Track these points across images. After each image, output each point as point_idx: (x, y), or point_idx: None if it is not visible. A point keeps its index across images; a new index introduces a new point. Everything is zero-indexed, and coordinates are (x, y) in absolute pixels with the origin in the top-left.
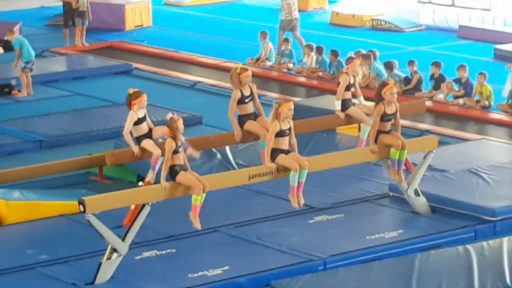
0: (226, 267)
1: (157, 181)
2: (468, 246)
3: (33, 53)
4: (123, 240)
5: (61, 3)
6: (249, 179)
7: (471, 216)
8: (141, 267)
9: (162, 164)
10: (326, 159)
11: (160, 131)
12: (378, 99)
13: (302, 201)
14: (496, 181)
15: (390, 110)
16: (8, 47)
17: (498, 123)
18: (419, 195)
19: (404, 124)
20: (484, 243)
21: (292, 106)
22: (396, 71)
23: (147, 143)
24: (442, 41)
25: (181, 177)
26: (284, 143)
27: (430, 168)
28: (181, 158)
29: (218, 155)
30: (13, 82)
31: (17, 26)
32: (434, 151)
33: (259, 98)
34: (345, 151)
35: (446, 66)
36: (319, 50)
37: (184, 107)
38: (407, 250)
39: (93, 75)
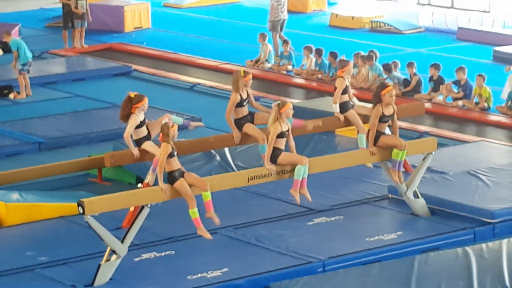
0: (225, 269)
1: (156, 183)
2: (467, 248)
3: (30, 55)
4: (122, 241)
5: (60, 5)
6: (248, 181)
7: (470, 218)
8: (140, 269)
9: None
10: (325, 161)
11: (158, 126)
12: (377, 100)
13: (310, 198)
14: (495, 183)
15: (388, 111)
16: (7, 49)
17: (497, 125)
18: (418, 197)
19: (403, 126)
20: (483, 245)
21: (292, 106)
22: (395, 73)
23: (148, 145)
24: (441, 43)
25: (179, 185)
26: (283, 144)
27: (429, 170)
28: (177, 162)
29: (217, 157)
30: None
31: (16, 28)
32: (433, 153)
33: (257, 100)
34: (344, 153)
35: (445, 68)
36: (318, 52)
37: (183, 109)
38: (406, 252)
39: (92, 77)
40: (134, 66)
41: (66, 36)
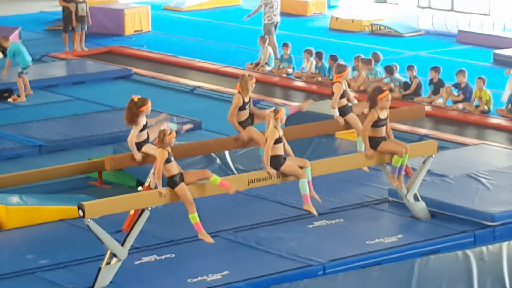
0: (226, 272)
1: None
2: (468, 251)
3: (29, 59)
4: (122, 245)
5: (60, 8)
6: (248, 184)
7: (471, 221)
8: (140, 272)
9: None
10: (326, 164)
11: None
12: (372, 104)
13: (319, 199)
14: (496, 186)
15: (383, 115)
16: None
17: (498, 128)
18: (418, 200)
19: (403, 129)
20: (484, 248)
21: (285, 111)
22: (396, 75)
23: (149, 148)
24: (441, 46)
25: (180, 189)
26: (282, 150)
27: (429, 173)
28: (175, 166)
29: (218, 160)
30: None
31: (17, 31)
32: (433, 156)
33: (258, 103)
34: (344, 156)
35: (445, 71)
36: (318, 56)
37: (184, 112)
38: (406, 255)
39: (92, 80)
40: (134, 69)
41: (66, 39)
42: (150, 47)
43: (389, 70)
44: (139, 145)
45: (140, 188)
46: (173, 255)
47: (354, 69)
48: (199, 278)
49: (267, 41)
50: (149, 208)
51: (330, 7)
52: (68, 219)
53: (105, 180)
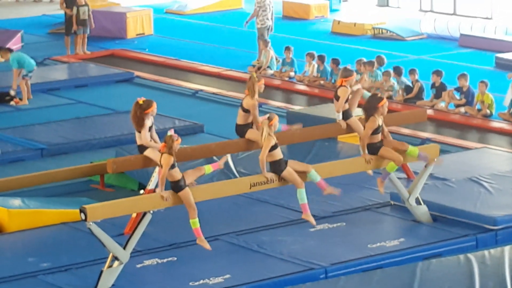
0: (227, 276)
1: None
2: (470, 255)
3: (33, 63)
4: (124, 248)
5: (63, 12)
6: (250, 188)
7: (473, 225)
8: (142, 275)
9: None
10: (327, 167)
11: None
12: (372, 111)
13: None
14: (498, 190)
15: (380, 121)
16: None
17: (500, 132)
18: (420, 204)
19: (405, 132)
20: (486, 252)
21: (278, 118)
22: (403, 78)
23: (152, 153)
24: (443, 49)
25: (184, 194)
26: (280, 154)
27: (431, 177)
28: (178, 172)
29: None
30: (13, 93)
31: (18, 35)
32: (435, 159)
33: (260, 106)
34: (346, 159)
35: (447, 75)
36: (320, 59)
37: (186, 115)
38: (408, 259)
39: (94, 83)
40: (137, 73)
41: (69, 42)
42: (152, 51)
43: (397, 71)
44: (140, 147)
45: (142, 191)
46: (175, 258)
47: (356, 72)
48: (201, 281)
49: (269, 44)
50: (151, 212)
51: (332, 10)
52: (70, 222)
53: (107, 183)
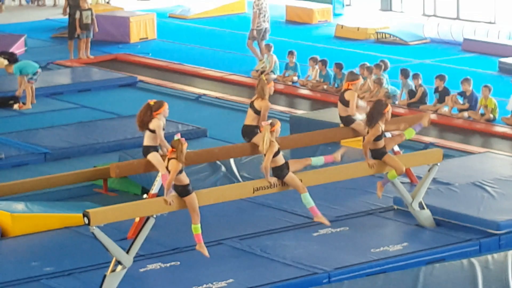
0: (231, 280)
1: (160, 193)
2: (473, 260)
3: (36, 65)
4: (127, 252)
5: (66, 16)
6: (253, 192)
7: (476, 230)
8: (145, 279)
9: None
10: (331, 172)
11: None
12: (378, 117)
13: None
14: (501, 194)
15: (383, 127)
16: (13, 59)
17: (503, 136)
18: (423, 208)
19: None
20: (489, 257)
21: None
22: (409, 81)
23: (154, 158)
24: (446, 54)
25: (191, 199)
26: (282, 159)
27: (434, 181)
28: (186, 176)
29: (223, 168)
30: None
31: (22, 39)
32: (438, 164)
33: None
34: (349, 164)
35: (450, 79)
36: (323, 64)
37: (189, 120)
38: (411, 263)
39: (97, 88)
40: (140, 77)
41: (72, 46)
42: (156, 55)
43: (404, 74)
44: (146, 149)
45: (145, 195)
46: (178, 263)
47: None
48: (204, 286)
49: (272, 48)
50: (154, 216)
51: (335, 15)
52: (73, 227)
53: (110, 188)
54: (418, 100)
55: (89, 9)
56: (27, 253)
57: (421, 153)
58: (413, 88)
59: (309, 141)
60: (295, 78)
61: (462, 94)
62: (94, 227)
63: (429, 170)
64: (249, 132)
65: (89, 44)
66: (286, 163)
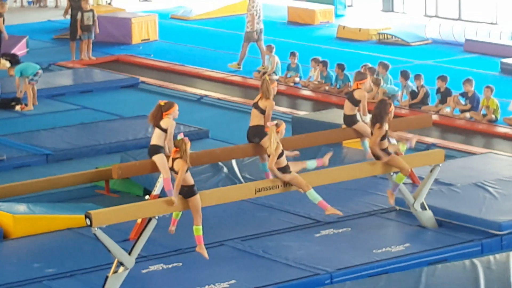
0: (233, 281)
1: (162, 194)
2: (475, 260)
3: (37, 66)
4: (129, 253)
5: (68, 17)
6: (255, 193)
7: (478, 230)
8: (147, 280)
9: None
10: (333, 173)
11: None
12: (383, 117)
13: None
14: (503, 195)
15: (387, 126)
16: (14, 60)
17: (505, 137)
18: (425, 209)
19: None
20: (491, 257)
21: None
22: (409, 82)
23: (160, 161)
24: (448, 55)
25: (195, 200)
26: (285, 160)
27: (436, 182)
28: (191, 176)
29: (225, 169)
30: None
31: (23, 40)
32: (440, 165)
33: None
34: (351, 165)
35: (452, 80)
36: (324, 65)
37: (191, 121)
38: (413, 264)
39: (99, 89)
40: (142, 78)
41: (74, 48)
42: (157, 56)
43: (404, 75)
44: (155, 148)
45: (147, 197)
46: (180, 264)
47: None
48: (206, 287)
49: (274, 49)
50: (156, 217)
51: (337, 16)
52: (75, 228)
53: (112, 189)
54: (420, 101)
55: (91, 10)
56: (29, 254)
57: (423, 153)
58: (415, 89)
59: (311, 142)
60: (297, 79)
61: (464, 95)
62: (96, 228)
63: (431, 171)
64: (259, 132)
65: (91, 45)
66: (287, 164)
